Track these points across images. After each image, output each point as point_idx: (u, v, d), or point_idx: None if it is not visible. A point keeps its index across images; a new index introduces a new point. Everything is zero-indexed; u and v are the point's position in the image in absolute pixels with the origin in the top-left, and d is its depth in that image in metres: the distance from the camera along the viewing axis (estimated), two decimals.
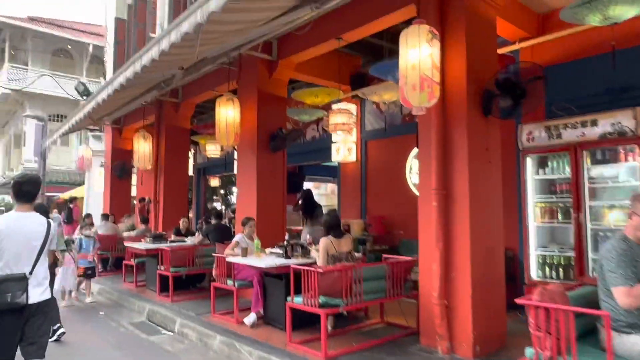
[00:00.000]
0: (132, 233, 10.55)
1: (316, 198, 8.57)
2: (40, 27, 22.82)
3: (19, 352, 2.98)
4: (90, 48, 23.51)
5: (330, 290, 4.19)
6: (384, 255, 5.25)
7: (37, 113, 19.20)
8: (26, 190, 3.10)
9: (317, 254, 4.99)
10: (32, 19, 23.48)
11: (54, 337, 5.10)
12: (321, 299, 4.15)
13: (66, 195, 20.64)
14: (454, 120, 4.28)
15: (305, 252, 5.05)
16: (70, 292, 7.14)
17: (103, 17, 13.03)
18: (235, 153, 10.69)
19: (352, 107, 8.25)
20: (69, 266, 6.74)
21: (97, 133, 17.34)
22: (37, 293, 2.95)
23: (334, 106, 7.19)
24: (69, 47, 24.35)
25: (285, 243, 4.96)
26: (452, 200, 4.25)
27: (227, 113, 6.51)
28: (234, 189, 22.37)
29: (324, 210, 11.29)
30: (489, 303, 4.19)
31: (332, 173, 15.83)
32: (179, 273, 6.67)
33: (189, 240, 7.78)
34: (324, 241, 4.64)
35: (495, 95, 4.25)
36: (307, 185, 13.76)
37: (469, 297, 4.04)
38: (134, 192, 13.55)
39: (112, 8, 12.17)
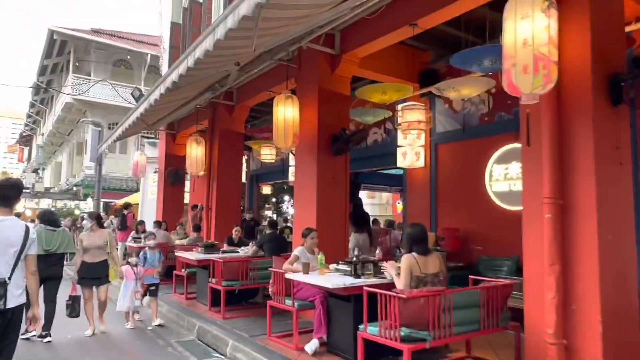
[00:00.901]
0: (184, 241, 10.21)
1: (370, 208, 7.90)
2: (103, 39, 23.57)
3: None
4: (148, 58, 24.00)
5: (414, 320, 3.41)
6: (472, 278, 4.40)
7: (91, 128, 19.72)
8: (6, 194, 3.04)
9: (392, 274, 4.23)
10: (95, 31, 24.34)
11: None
12: (403, 331, 3.38)
13: (122, 201, 21.00)
14: (574, 110, 3.41)
15: (378, 270, 4.29)
16: (134, 312, 6.28)
17: (159, 24, 12.99)
18: (292, 158, 10.15)
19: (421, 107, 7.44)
20: (129, 281, 6.01)
21: (153, 140, 17.45)
22: (14, 297, 2.93)
23: (402, 104, 6.44)
24: (129, 57, 25.02)
25: (354, 259, 4.23)
26: (572, 211, 3.36)
27: (286, 112, 5.92)
28: (286, 198, 22.13)
29: (380, 221, 10.50)
30: (622, 345, 3.26)
31: (389, 181, 15.04)
32: (232, 287, 6.08)
33: (242, 252, 7.21)
34: (407, 259, 3.87)
35: (629, 79, 3.34)
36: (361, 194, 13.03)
37: (599, 337, 3.13)
38: (186, 199, 13.37)
39: (168, 13, 12.07)
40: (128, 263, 6.19)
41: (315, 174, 6.08)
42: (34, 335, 5.40)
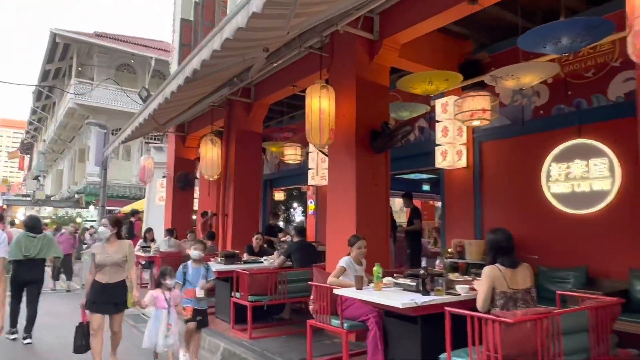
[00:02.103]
0: None
1: None
2: (106, 42, 23.00)
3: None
4: (153, 62, 23.42)
5: (518, 350, 2.69)
6: (560, 293, 3.69)
7: (96, 130, 19.03)
8: None
9: (464, 288, 3.52)
10: (98, 35, 23.78)
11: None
12: None
13: (127, 208, 20.28)
14: None
15: (450, 285, 3.57)
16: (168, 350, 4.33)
17: (170, 20, 12.40)
18: (311, 160, 9.46)
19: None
20: (160, 308, 4.20)
21: (159, 144, 16.78)
22: None
23: (438, 99, 5.76)
24: (132, 61, 24.43)
25: (422, 272, 3.51)
26: None
27: (321, 104, 5.24)
28: (295, 205, 21.38)
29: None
30: None
31: (408, 187, 14.34)
32: (261, 303, 5.36)
33: (266, 262, 6.50)
34: (490, 272, 3.16)
35: None
36: None
37: None
38: (196, 205, 12.67)
39: (178, 10, 11.48)
40: (159, 285, 4.33)
41: (354, 173, 5.39)
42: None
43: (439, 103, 6.81)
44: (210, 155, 8.16)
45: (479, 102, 4.42)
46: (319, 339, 4.86)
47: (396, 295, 3.57)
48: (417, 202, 16.25)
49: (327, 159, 9.79)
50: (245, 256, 6.91)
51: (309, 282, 4.57)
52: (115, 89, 23.34)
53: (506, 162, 6.34)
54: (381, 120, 5.60)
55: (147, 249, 9.29)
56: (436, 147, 6.82)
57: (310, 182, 9.69)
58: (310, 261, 6.05)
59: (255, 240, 7.33)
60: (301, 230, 6.40)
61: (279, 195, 14.93)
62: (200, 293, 4.68)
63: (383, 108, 5.76)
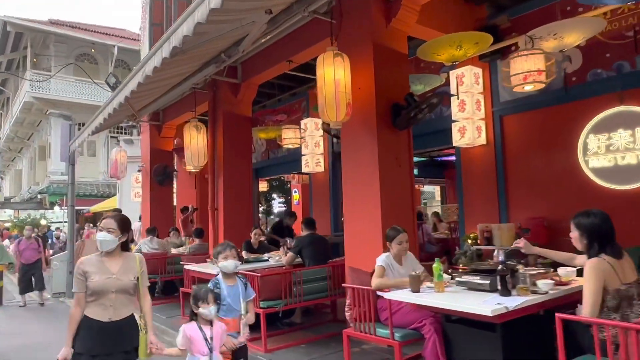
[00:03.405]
0: (181, 249, 8.64)
1: None
2: (62, 30, 21.36)
3: None
4: (115, 50, 21.97)
5: None
6: None
7: (60, 123, 17.57)
8: None
9: (548, 284, 2.88)
10: (53, 22, 22.08)
11: None
12: None
13: (96, 207, 18.99)
14: None
15: (532, 282, 2.91)
16: None
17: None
18: (304, 146, 8.69)
19: (479, 72, 6.15)
20: (198, 354, 2.79)
21: (128, 137, 15.60)
22: None
23: (452, 70, 5.10)
24: (93, 50, 22.84)
25: (501, 267, 2.84)
26: None
27: (336, 75, 4.48)
28: (275, 196, 20.55)
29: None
30: None
31: None
32: (276, 309, 4.61)
33: (272, 260, 5.74)
34: (600, 265, 2.52)
35: None
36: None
37: None
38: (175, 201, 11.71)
39: None
40: (193, 316, 2.89)
41: (375, 154, 4.67)
42: None
43: (453, 75, 6.16)
44: (195, 143, 7.27)
45: (533, 62, 3.76)
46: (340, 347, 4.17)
47: (466, 297, 2.90)
48: None
49: (321, 143, 9.09)
50: (244, 254, 6.13)
51: (345, 285, 3.83)
52: (76, 80, 21.83)
53: (532, 136, 5.76)
54: (402, 93, 4.90)
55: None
56: (452, 124, 6.18)
57: (304, 169, 8.95)
58: (324, 257, 5.34)
59: (254, 236, 6.55)
60: (311, 222, 5.65)
61: (262, 186, 14.12)
62: (246, 326, 3.12)
63: (403, 79, 5.05)
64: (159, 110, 10.05)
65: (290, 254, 5.38)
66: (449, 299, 2.88)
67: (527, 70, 3.75)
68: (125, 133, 19.50)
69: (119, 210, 12.76)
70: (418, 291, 3.07)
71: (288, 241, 6.52)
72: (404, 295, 3.09)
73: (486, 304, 2.61)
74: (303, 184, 12.76)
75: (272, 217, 19.25)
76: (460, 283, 3.11)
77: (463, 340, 3.04)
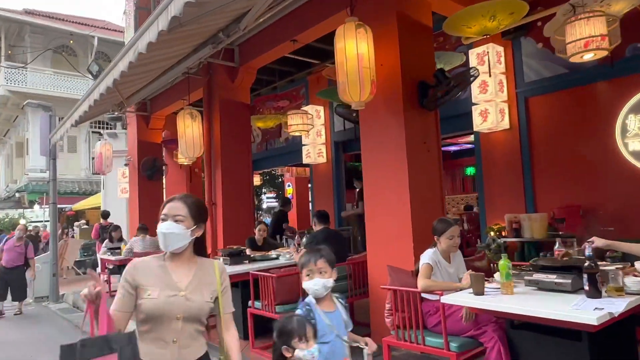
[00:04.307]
0: None
1: None
2: (39, 20, 20.34)
3: None
4: (95, 42, 21.03)
5: None
6: None
7: (38, 117, 16.69)
8: None
9: (637, 282, 2.42)
10: (28, 12, 21.02)
11: None
12: None
13: (78, 205, 18.17)
14: None
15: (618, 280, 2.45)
16: None
17: None
18: (305, 136, 8.15)
19: (500, 50, 5.69)
20: None
21: (111, 131, 14.83)
22: None
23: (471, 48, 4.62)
24: (71, 42, 21.83)
25: (587, 263, 2.36)
26: None
27: (359, 48, 3.96)
28: (264, 190, 19.94)
29: None
30: None
31: None
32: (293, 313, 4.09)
33: (283, 258, 5.21)
34: None
35: None
36: None
37: None
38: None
39: None
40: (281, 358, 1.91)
41: (403, 138, 4.16)
42: None
43: (473, 54, 5.70)
44: (190, 132, 6.67)
45: (595, 25, 3.29)
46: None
47: (543, 299, 2.43)
48: None
49: (323, 133, 8.56)
50: (248, 251, 5.59)
51: (384, 287, 3.32)
52: (55, 72, 20.87)
53: (562, 119, 5.32)
54: (428, 70, 4.40)
55: (116, 250, 7.74)
56: (473, 107, 5.73)
57: (306, 160, 8.42)
58: (341, 254, 4.83)
59: (258, 232, 6.00)
60: (324, 215, 5.12)
61: (255, 180, 13.55)
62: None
63: (429, 55, 4.55)
64: (146, 99, 9.39)
65: (304, 250, 4.85)
66: (524, 302, 2.39)
67: (589, 36, 3.29)
68: (108, 127, 18.67)
69: (103, 213, 12.07)
70: (482, 293, 2.59)
71: (296, 237, 5.99)
72: (466, 299, 2.60)
73: (581, 309, 2.13)
74: (298, 177, 12.23)
75: (260, 213, 18.65)
76: (530, 282, 2.63)
77: (535, 350, 2.56)
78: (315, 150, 8.28)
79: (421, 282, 2.96)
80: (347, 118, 5.42)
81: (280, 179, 20.25)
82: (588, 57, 3.49)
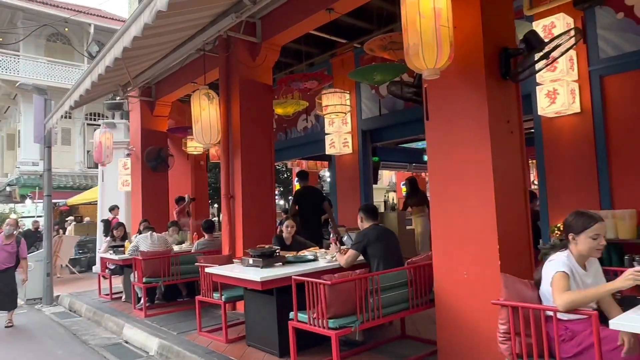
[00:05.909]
0: (184, 247, 7.28)
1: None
2: (32, 5, 19.37)
3: None
4: (92, 29, 20.12)
5: None
6: None
7: (31, 107, 15.75)
8: None
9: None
10: None
11: None
12: None
13: (72, 200, 17.24)
14: None
15: None
16: None
17: None
18: (327, 122, 7.35)
19: (571, 22, 4.94)
20: None
21: (111, 120, 13.95)
22: None
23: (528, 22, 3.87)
24: (66, 30, 20.87)
25: None
26: None
27: (436, 2, 3.19)
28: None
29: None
30: None
31: (410, 157, 12.54)
32: (351, 328, 3.31)
33: (323, 260, 4.43)
34: None
35: None
36: None
37: None
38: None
39: None
40: None
41: (485, 117, 3.39)
42: None
43: (538, 25, 4.95)
44: (206, 115, 5.88)
45: None
46: None
47: None
48: (410, 175, 14.48)
49: (348, 120, 7.76)
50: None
51: (496, 302, 2.52)
52: (49, 61, 19.94)
53: None
54: (510, 36, 3.64)
55: (119, 249, 6.93)
56: (538, 88, 4.98)
57: (329, 150, 7.65)
58: (397, 256, 4.08)
59: (286, 229, 5.21)
60: (373, 210, 4.33)
61: None
62: None
63: (510, 18, 3.78)
64: (151, 83, 8.58)
65: (351, 251, 4.08)
66: None
67: None
68: (105, 118, 17.78)
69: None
70: None
71: (332, 235, 5.21)
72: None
73: None
74: (310, 172, 11.47)
75: None
76: None
77: None
78: (341, 139, 7.51)
79: (564, 298, 2.19)
80: (401, 97, 4.63)
81: (286, 175, 19.51)
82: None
